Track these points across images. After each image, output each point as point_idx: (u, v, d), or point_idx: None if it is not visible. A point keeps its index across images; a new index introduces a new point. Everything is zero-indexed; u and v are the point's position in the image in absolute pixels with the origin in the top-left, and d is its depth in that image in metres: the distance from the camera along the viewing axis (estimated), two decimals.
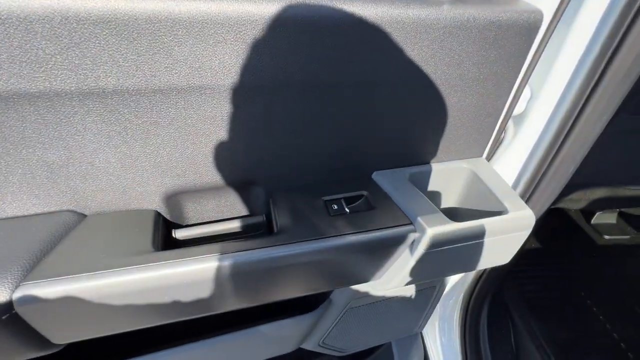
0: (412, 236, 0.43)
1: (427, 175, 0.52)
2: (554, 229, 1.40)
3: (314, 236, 0.42)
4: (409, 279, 0.50)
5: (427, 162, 0.53)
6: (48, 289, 0.35)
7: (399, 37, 0.38)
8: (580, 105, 0.51)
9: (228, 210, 0.51)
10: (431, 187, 0.53)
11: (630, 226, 1.40)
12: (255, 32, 0.34)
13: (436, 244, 0.43)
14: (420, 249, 0.44)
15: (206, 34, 0.33)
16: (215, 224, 0.50)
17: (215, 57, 0.34)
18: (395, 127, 0.47)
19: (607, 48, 0.46)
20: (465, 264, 0.50)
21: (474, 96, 0.47)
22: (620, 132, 0.92)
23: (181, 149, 0.40)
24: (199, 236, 0.49)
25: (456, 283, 0.85)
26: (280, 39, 0.35)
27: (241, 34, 0.34)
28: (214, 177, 0.44)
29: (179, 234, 0.48)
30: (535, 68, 0.50)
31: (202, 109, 0.38)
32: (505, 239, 0.48)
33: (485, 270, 0.78)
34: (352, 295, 0.63)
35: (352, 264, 0.45)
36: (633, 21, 0.44)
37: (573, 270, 1.24)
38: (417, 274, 0.48)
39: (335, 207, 0.46)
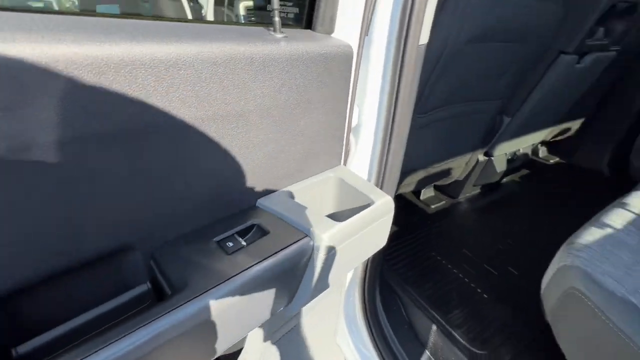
0: (311, 246, 0.47)
1: (304, 189, 0.57)
2: (398, 212, 1.75)
3: (218, 282, 0.39)
4: (318, 289, 0.52)
5: (302, 179, 0.58)
6: None
7: (250, 72, 0.42)
8: (392, 114, 0.68)
9: (95, 295, 0.40)
10: (310, 199, 0.59)
11: (442, 194, 1.91)
12: (72, 78, 0.30)
13: (332, 247, 0.48)
14: (322, 255, 0.47)
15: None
16: (79, 317, 0.39)
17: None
18: (266, 153, 0.49)
19: (395, 71, 0.63)
20: (357, 256, 0.57)
21: (323, 115, 0.55)
22: (415, 129, 1.27)
23: (6, 233, 0.30)
24: (56, 339, 0.37)
25: (350, 281, 0.94)
26: (107, 83, 0.32)
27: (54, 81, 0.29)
28: (62, 257, 0.35)
29: (23, 349, 0.35)
30: (357, 89, 0.64)
31: (28, 175, 0.30)
32: (379, 224, 0.58)
33: (368, 259, 0.90)
34: (269, 329, 0.60)
35: (264, 296, 0.44)
36: (404, 52, 0.62)
37: (420, 238, 1.58)
38: (324, 281, 0.51)
39: (231, 244, 0.44)
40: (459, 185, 1.80)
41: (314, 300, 0.57)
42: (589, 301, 0.68)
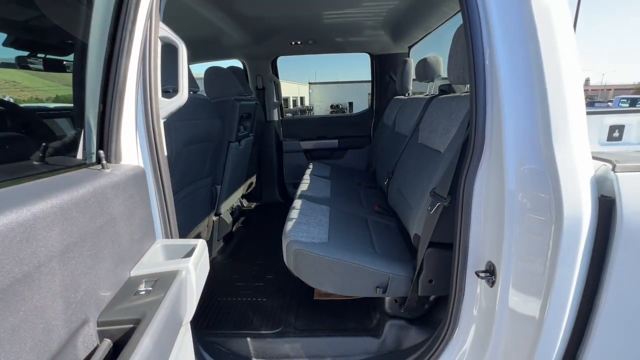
0: (184, 275, 0.76)
1: (150, 257, 0.83)
2: None
3: (154, 312, 0.62)
4: (196, 299, 0.80)
5: (141, 256, 0.83)
6: None
7: (103, 197, 0.67)
8: (163, 196, 1.04)
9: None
10: (157, 262, 0.84)
11: None
12: None
13: (194, 268, 0.80)
14: (192, 274, 0.78)
15: None
16: None
17: None
18: (123, 243, 0.73)
19: (156, 172, 1.02)
20: (203, 277, 0.90)
21: (141, 212, 0.84)
22: None
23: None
24: None
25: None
26: None
27: None
28: None
29: None
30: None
31: None
32: (204, 257, 0.94)
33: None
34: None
35: (176, 310, 0.69)
36: (158, 159, 1.03)
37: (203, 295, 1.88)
38: (198, 292, 0.81)
39: (143, 292, 0.66)
40: (208, 244, 2.27)
41: None
42: (304, 250, 1.38)
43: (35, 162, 0.73)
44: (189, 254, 0.86)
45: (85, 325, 0.56)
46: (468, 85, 1.64)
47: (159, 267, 0.77)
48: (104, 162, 0.74)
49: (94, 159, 0.79)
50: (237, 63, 3.29)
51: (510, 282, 1.00)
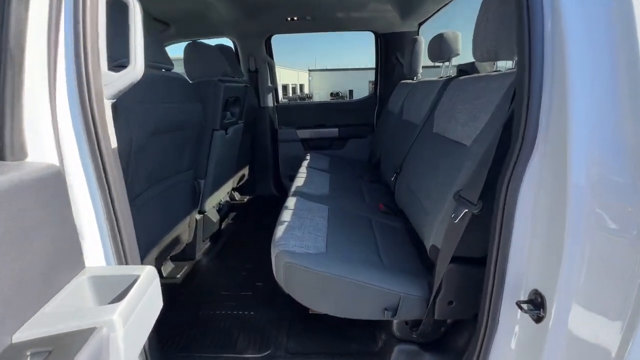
0: (106, 333, 0.51)
1: (62, 302, 0.57)
2: None
3: None
4: None
5: (52, 295, 0.57)
6: None
7: None
8: (109, 199, 0.76)
9: None
10: (70, 311, 0.58)
11: (181, 261, 2.03)
12: None
13: (125, 321, 0.55)
14: (119, 334, 0.53)
15: None
16: None
17: None
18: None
19: (99, 173, 0.74)
20: (147, 324, 0.65)
21: (54, 232, 0.58)
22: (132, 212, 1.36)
23: None
24: None
25: None
26: None
27: None
28: None
29: None
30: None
31: None
32: (151, 291, 0.68)
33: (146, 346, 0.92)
34: None
35: None
36: (102, 156, 0.76)
37: (180, 305, 1.64)
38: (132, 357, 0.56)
39: None
40: (191, 246, 2.01)
41: None
42: (296, 264, 1.13)
43: None
44: (125, 292, 0.60)
45: None
46: (497, 64, 1.36)
47: (63, 323, 0.51)
48: None
49: None
50: (227, 42, 2.96)
51: (568, 319, 0.75)
